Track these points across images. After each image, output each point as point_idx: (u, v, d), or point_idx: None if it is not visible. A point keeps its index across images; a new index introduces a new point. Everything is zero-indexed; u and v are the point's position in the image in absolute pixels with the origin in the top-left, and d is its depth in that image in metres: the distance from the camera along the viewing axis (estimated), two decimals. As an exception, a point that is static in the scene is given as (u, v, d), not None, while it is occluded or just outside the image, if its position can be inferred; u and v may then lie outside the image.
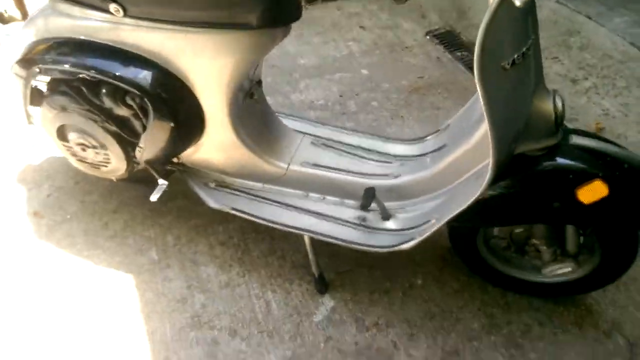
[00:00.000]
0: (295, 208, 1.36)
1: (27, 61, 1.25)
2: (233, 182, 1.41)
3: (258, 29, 1.10)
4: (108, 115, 1.25)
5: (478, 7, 2.75)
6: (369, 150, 1.48)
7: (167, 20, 1.10)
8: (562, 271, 1.25)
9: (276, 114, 1.47)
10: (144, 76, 1.16)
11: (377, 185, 1.33)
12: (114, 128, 1.26)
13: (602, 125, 1.97)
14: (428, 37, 2.62)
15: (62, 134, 1.34)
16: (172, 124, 1.20)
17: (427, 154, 1.44)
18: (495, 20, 0.86)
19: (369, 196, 1.28)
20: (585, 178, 1.07)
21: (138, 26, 1.13)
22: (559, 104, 1.07)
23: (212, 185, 1.40)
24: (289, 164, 1.37)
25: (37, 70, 1.22)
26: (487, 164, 1.12)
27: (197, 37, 1.12)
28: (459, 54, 2.50)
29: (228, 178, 1.41)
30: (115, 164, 1.34)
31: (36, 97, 1.30)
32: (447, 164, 1.24)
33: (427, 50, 2.51)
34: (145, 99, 1.17)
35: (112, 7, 1.10)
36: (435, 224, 1.16)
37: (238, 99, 1.26)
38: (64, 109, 1.27)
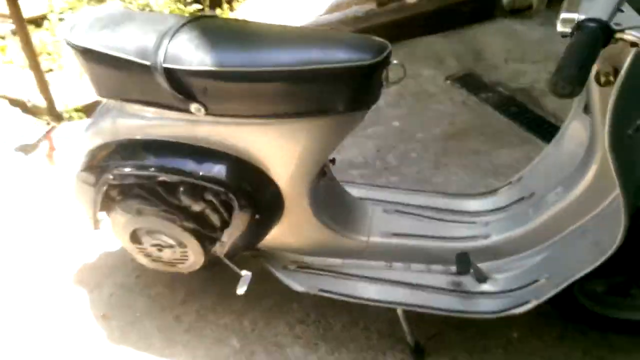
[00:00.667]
0: (382, 280, 1.32)
1: (97, 167, 1.22)
2: (312, 262, 1.37)
3: (343, 114, 1.09)
4: (186, 213, 1.21)
5: (492, 49, 2.81)
6: (442, 210, 1.46)
7: (250, 115, 1.10)
8: None
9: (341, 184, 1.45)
10: (227, 172, 1.14)
11: (467, 248, 1.30)
12: (192, 225, 1.23)
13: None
14: (449, 81, 2.65)
15: (135, 237, 1.31)
16: (256, 216, 1.18)
17: (505, 207, 1.42)
18: (622, 92, 0.88)
19: (463, 262, 1.24)
20: None
21: (217, 122, 1.12)
22: None
23: (292, 267, 1.36)
24: (368, 237, 1.34)
25: (111, 177, 1.18)
26: (593, 217, 1.13)
27: (281, 127, 1.11)
28: (483, 95, 2.52)
29: (306, 257, 1.37)
30: (193, 259, 1.31)
31: (107, 202, 1.26)
32: (547, 218, 1.21)
33: (451, 95, 2.54)
34: (230, 195, 1.15)
35: (194, 107, 1.08)
36: (550, 286, 1.12)
37: (315, 179, 1.24)
38: (139, 212, 1.23)
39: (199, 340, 1.44)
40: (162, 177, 1.15)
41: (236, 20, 2.19)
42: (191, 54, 1.04)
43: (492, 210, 1.44)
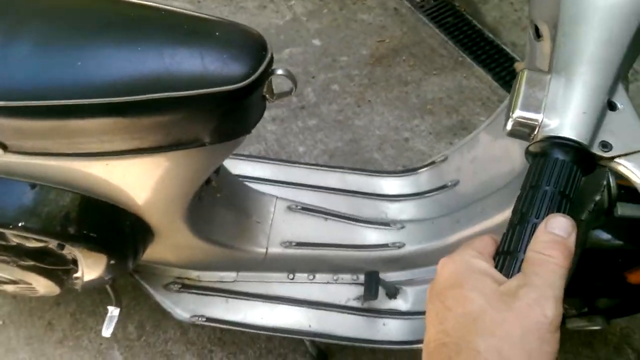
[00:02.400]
0: (282, 300, 1.10)
1: None
2: (199, 277, 1.11)
3: (212, 145, 0.74)
4: (20, 252, 0.89)
5: None
6: (355, 192, 1.22)
7: (74, 153, 0.72)
8: (590, 328, 1.09)
9: (240, 179, 1.14)
10: (57, 219, 0.79)
11: (377, 258, 1.09)
12: (33, 263, 0.92)
13: None
14: (380, -21, 2.18)
15: None
16: (110, 260, 0.87)
17: (425, 193, 1.20)
18: None
19: (372, 283, 1.04)
20: (636, 261, 0.87)
21: (32, 157, 0.74)
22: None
23: (175, 287, 1.10)
24: (267, 248, 1.08)
25: None
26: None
27: (125, 163, 0.75)
28: (417, 0, 2.12)
29: (192, 272, 1.11)
30: (44, 291, 1.01)
31: None
32: (468, 235, 0.99)
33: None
34: (68, 246, 0.82)
35: None
36: None
37: (192, 201, 0.92)
38: None
39: (75, 354, 1.22)
40: None
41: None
42: None
43: (411, 196, 1.22)
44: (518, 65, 1.92)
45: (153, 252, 0.99)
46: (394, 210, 1.20)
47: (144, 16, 0.66)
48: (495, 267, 0.38)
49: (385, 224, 1.13)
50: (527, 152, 0.44)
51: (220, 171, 1.04)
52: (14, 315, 1.26)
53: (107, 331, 1.01)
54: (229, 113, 0.69)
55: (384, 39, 1.97)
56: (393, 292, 1.09)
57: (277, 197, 1.14)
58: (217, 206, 1.03)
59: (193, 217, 0.93)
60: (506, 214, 0.88)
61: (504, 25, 2.06)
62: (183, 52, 0.63)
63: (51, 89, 0.61)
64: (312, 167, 1.29)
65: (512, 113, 0.44)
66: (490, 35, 2.02)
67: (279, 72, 0.68)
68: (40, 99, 0.60)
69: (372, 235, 1.11)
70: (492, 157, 1.03)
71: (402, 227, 1.11)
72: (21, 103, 0.60)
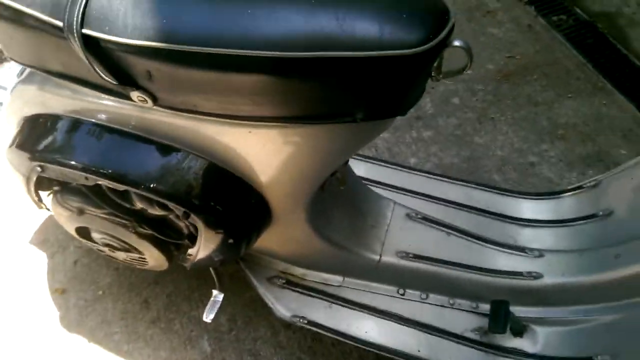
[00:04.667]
0: (389, 316, 0.99)
1: (23, 149, 0.84)
2: (304, 276, 1.04)
3: (362, 122, 0.66)
4: (140, 218, 0.87)
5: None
6: (483, 212, 1.09)
7: (222, 114, 0.68)
8: None
9: (360, 180, 1.06)
10: (188, 186, 0.75)
11: (506, 287, 0.95)
12: (150, 232, 0.89)
13: None
14: (514, -5, 2.04)
15: (82, 232, 0.98)
16: (229, 240, 0.82)
17: (567, 221, 1.04)
18: None
19: (501, 315, 0.90)
20: None
21: (176, 116, 0.71)
22: None
23: (279, 282, 1.03)
24: (380, 255, 0.98)
25: (39, 169, 0.82)
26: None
27: (268, 132, 0.70)
28: (555, 18, 1.94)
29: (299, 269, 1.04)
30: (153, 264, 0.99)
31: (44, 184, 0.91)
32: (624, 276, 0.83)
33: (516, 15, 1.96)
34: (191, 215, 0.78)
35: (135, 95, 0.66)
36: None
37: (317, 191, 0.85)
38: (80, 212, 0.89)
39: (165, 336, 1.18)
40: (101, 183, 0.78)
41: None
42: (124, 15, 0.58)
43: (549, 222, 1.07)
44: (669, 98, 1.70)
45: (263, 240, 0.92)
46: (526, 237, 1.06)
47: None
48: None
49: (519, 249, 0.98)
50: None
51: (344, 172, 0.96)
52: (113, 287, 1.25)
53: (208, 316, 0.96)
54: (392, 85, 0.61)
55: (514, 55, 1.82)
56: (519, 329, 0.94)
57: (395, 202, 1.05)
58: (337, 200, 0.95)
59: (313, 208, 0.85)
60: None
61: (655, 53, 1.83)
62: (358, 9, 0.56)
63: (216, 36, 0.56)
64: (433, 176, 1.18)
65: None
66: (637, 62, 1.80)
67: (457, 43, 0.59)
68: (203, 46, 0.56)
69: (502, 260, 0.97)
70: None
71: (541, 256, 0.96)
72: (184, 47, 0.56)
